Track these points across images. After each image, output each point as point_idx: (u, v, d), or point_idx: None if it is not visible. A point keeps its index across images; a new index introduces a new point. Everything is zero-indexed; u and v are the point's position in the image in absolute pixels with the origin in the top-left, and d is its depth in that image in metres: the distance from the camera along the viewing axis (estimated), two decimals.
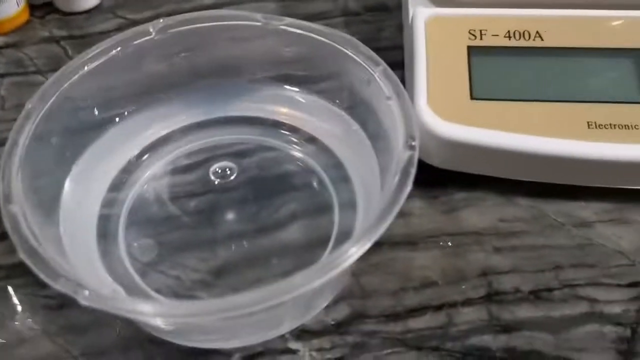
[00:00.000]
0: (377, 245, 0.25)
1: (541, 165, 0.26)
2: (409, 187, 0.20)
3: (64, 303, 0.25)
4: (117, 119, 0.27)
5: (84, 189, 0.25)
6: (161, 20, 0.26)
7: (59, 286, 0.18)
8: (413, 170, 0.20)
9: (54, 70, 0.34)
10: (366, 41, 0.34)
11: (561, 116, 0.26)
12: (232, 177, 0.26)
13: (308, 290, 0.18)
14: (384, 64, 0.24)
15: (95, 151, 0.26)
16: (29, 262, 0.18)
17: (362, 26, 0.36)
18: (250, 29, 0.27)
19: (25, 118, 0.23)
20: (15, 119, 0.31)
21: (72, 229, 0.23)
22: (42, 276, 0.18)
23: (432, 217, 0.27)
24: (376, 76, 0.24)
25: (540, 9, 0.28)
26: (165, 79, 0.28)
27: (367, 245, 0.19)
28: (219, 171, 0.27)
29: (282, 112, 0.28)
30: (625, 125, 0.25)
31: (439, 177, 0.27)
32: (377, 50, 0.34)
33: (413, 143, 0.21)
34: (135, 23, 0.36)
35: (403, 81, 0.29)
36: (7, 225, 0.20)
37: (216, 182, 0.26)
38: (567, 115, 0.26)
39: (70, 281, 0.18)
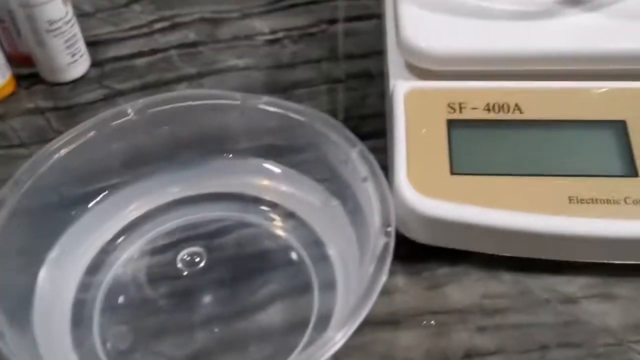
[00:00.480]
0: (359, 326, 0.24)
1: (523, 240, 0.26)
2: (384, 275, 0.20)
3: None
4: (93, 200, 0.26)
5: (60, 274, 0.24)
6: (140, 101, 0.26)
7: None
8: (389, 258, 0.20)
9: (38, 143, 0.34)
10: (350, 108, 0.35)
11: (542, 191, 0.26)
12: (200, 265, 0.26)
13: None
14: (360, 145, 0.24)
15: (72, 234, 0.25)
16: None
17: (346, 93, 0.36)
18: (229, 107, 0.27)
19: None
20: None
21: (46, 318, 0.22)
22: None
23: (416, 294, 0.26)
24: (353, 157, 0.24)
25: (519, 81, 0.28)
26: (143, 155, 0.28)
27: (341, 340, 0.18)
28: (187, 258, 0.26)
29: (261, 186, 0.28)
30: (607, 200, 0.25)
31: (422, 252, 0.27)
32: (361, 118, 0.34)
33: (389, 229, 0.21)
34: (120, 93, 0.37)
35: (386, 151, 0.29)
36: None
37: (184, 273, 0.26)
38: (549, 190, 0.26)
39: None
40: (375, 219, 0.22)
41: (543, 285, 0.26)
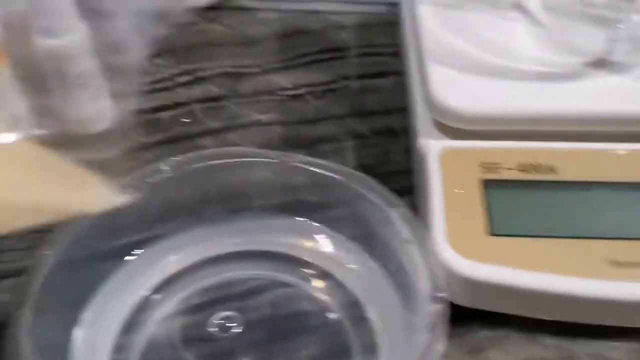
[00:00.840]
0: None
1: (564, 304, 0.25)
2: (441, 344, 0.19)
3: None
4: (126, 256, 0.26)
5: (95, 334, 0.23)
6: (175, 158, 0.26)
7: None
8: (444, 327, 0.20)
9: None
10: (375, 165, 0.35)
11: (581, 253, 0.25)
12: (235, 326, 0.25)
13: None
14: (402, 205, 0.24)
15: (106, 291, 0.25)
16: None
17: (370, 150, 0.36)
18: (262, 166, 0.27)
19: (37, 268, 0.22)
20: (19, 249, 0.31)
21: None
22: None
23: (457, 358, 0.26)
24: (394, 218, 0.23)
25: (552, 142, 0.28)
26: (175, 212, 0.27)
27: None
28: (222, 321, 0.25)
29: (295, 245, 0.28)
30: None
31: (462, 314, 0.26)
32: (386, 174, 0.34)
33: (442, 295, 0.20)
34: (145, 146, 0.36)
35: (413, 208, 0.28)
36: None
37: (220, 335, 0.25)
38: (588, 253, 0.25)
39: None
40: (423, 282, 0.21)
41: (587, 351, 0.26)
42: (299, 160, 0.26)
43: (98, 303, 0.24)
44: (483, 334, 0.26)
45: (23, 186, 0.19)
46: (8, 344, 0.21)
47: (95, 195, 0.20)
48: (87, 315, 0.24)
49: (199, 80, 0.41)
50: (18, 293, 0.22)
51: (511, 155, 0.28)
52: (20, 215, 0.18)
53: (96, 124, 0.37)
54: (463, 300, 0.26)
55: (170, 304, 0.26)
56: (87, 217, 0.24)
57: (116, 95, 0.39)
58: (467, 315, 0.26)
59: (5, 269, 0.30)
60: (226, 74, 0.42)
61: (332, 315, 0.25)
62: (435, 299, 0.20)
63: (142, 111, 0.39)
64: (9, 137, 0.22)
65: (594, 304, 0.25)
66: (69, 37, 0.34)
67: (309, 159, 0.26)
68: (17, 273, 0.30)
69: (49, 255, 0.22)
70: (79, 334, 0.23)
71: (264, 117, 0.39)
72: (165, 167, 0.26)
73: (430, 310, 0.20)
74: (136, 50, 0.39)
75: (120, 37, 0.40)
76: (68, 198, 0.19)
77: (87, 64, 0.35)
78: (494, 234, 0.26)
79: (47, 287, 0.22)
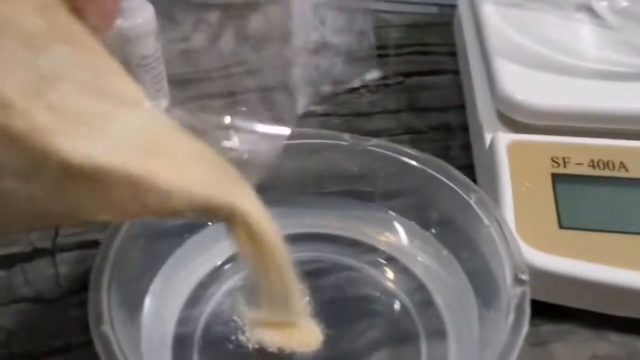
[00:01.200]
0: None
1: (631, 299, 0.25)
2: (526, 327, 0.19)
3: None
4: (193, 232, 0.26)
5: (162, 304, 0.24)
6: None
7: None
8: (528, 309, 0.19)
9: None
10: None
11: None
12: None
13: None
14: (480, 191, 0.24)
15: (173, 265, 0.25)
16: None
17: (429, 144, 0.36)
18: (335, 148, 0.27)
19: (111, 235, 0.22)
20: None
21: (150, 347, 0.22)
22: None
23: (521, 351, 0.25)
24: (472, 202, 0.23)
25: (622, 140, 0.28)
26: None
27: None
28: None
29: (365, 231, 0.28)
30: None
31: None
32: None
33: (524, 277, 0.20)
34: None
35: None
36: (99, 348, 0.19)
37: None
38: None
39: None
40: (502, 267, 0.21)
41: None
42: (373, 143, 0.26)
43: (166, 274, 0.25)
44: (547, 329, 0.26)
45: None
46: (89, 308, 0.21)
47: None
48: (156, 285, 0.24)
49: (255, 70, 0.42)
50: (97, 261, 0.22)
51: (581, 151, 0.28)
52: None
53: (157, 104, 0.37)
54: (532, 292, 0.26)
55: (233, 281, 0.26)
56: None
57: (171, 81, 0.39)
58: (533, 309, 0.26)
59: (64, 242, 0.30)
60: (281, 67, 0.42)
61: (397, 300, 0.25)
62: (518, 281, 0.20)
63: (196, 97, 0.39)
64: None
65: None
66: (136, 19, 0.35)
67: (384, 142, 0.26)
68: (78, 247, 0.31)
69: (123, 228, 0.22)
70: (147, 303, 0.23)
71: (319, 109, 0.39)
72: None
73: (513, 292, 0.20)
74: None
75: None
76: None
77: (152, 46, 0.36)
78: (562, 227, 0.26)
79: (121, 256, 0.22)
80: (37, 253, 0.30)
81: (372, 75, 0.21)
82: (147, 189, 0.16)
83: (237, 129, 0.21)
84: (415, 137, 0.36)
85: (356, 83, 0.21)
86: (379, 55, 0.43)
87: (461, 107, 0.38)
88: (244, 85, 0.40)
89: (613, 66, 0.31)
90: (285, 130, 0.22)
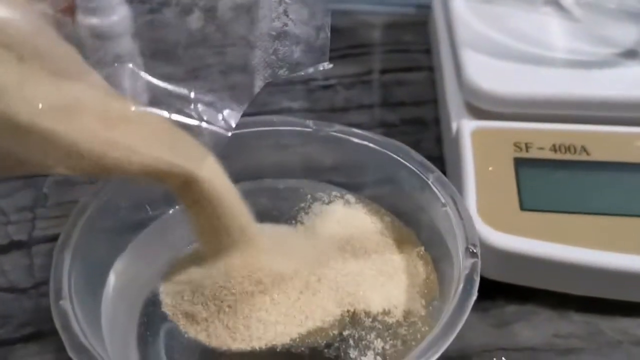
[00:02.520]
0: None
1: (595, 279, 0.26)
2: (474, 295, 0.19)
3: None
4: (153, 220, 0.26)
5: (127, 282, 0.24)
6: None
7: None
8: (477, 278, 0.20)
9: None
10: None
11: (613, 229, 0.26)
12: None
13: None
14: (437, 171, 0.24)
15: (137, 247, 0.25)
16: None
17: (401, 137, 0.36)
18: (296, 136, 0.27)
19: (78, 213, 0.22)
20: (57, 216, 0.32)
21: (112, 317, 0.22)
22: None
23: (484, 331, 0.26)
24: (430, 183, 0.24)
25: (583, 125, 0.29)
26: None
27: (436, 355, 0.18)
28: None
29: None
30: None
31: (489, 289, 0.26)
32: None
33: (475, 250, 0.21)
34: None
35: None
36: (57, 322, 0.19)
37: None
38: (619, 228, 0.26)
39: None
40: (457, 244, 0.21)
41: (615, 327, 0.26)
42: (336, 129, 0.26)
43: (130, 254, 0.25)
44: (510, 309, 0.27)
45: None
46: (50, 284, 0.21)
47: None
48: (120, 263, 0.24)
49: (219, 51, 0.42)
50: (60, 240, 0.22)
51: (543, 136, 0.29)
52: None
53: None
54: (493, 273, 0.26)
55: None
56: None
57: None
58: (495, 290, 0.27)
59: (41, 235, 0.31)
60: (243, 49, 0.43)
61: None
62: (470, 254, 0.21)
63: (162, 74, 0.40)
64: None
65: (623, 278, 0.25)
66: (111, 17, 0.35)
67: (347, 128, 0.27)
68: (54, 239, 0.31)
69: (91, 203, 0.23)
70: (111, 279, 0.23)
71: (294, 105, 0.39)
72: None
73: (465, 264, 0.20)
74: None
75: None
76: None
77: (127, 45, 0.36)
78: (525, 209, 0.26)
79: (87, 231, 0.22)
80: (13, 245, 0.30)
81: (325, 66, 0.22)
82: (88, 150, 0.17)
83: (196, 102, 0.22)
84: (388, 131, 0.37)
85: (310, 71, 0.22)
86: (357, 54, 0.44)
87: (434, 102, 0.39)
88: (207, 62, 0.41)
89: (576, 55, 0.32)
90: (241, 108, 0.22)
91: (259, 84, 0.23)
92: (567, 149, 0.28)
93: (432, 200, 0.24)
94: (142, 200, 0.25)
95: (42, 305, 0.27)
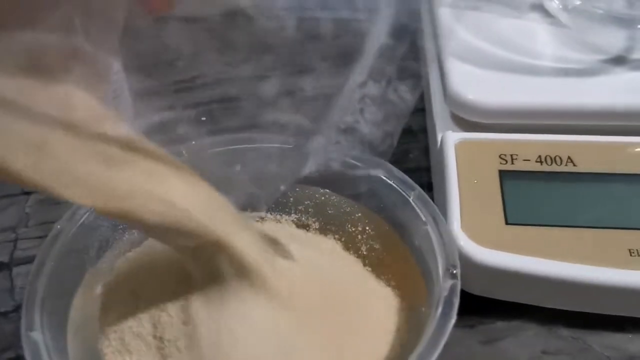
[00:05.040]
0: None
1: (582, 294, 0.25)
2: (453, 319, 0.19)
3: None
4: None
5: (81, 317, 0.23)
6: (194, 143, 0.27)
7: None
8: (456, 301, 0.19)
9: None
10: (394, 163, 0.35)
11: (601, 243, 0.25)
12: None
13: None
14: (418, 188, 0.24)
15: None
16: None
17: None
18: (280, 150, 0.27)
19: (52, 239, 0.22)
20: (39, 237, 0.31)
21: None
22: None
23: (470, 348, 0.25)
24: (411, 200, 0.23)
25: (570, 135, 0.28)
26: None
27: None
28: None
29: None
30: None
31: (476, 304, 0.26)
32: (405, 171, 0.34)
33: (454, 271, 0.20)
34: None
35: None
36: (27, 353, 0.19)
37: None
38: (607, 242, 0.25)
39: None
40: (438, 261, 0.21)
41: (604, 343, 0.25)
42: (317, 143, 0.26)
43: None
44: (498, 325, 0.26)
45: None
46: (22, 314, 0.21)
47: None
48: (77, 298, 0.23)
49: (218, 82, 0.42)
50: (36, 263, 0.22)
51: (529, 147, 0.28)
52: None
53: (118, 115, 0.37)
54: (478, 289, 0.26)
55: None
56: None
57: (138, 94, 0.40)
58: (482, 306, 0.26)
59: (22, 256, 0.31)
60: (247, 77, 0.42)
61: None
62: (450, 275, 0.20)
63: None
64: None
65: (611, 292, 0.24)
66: None
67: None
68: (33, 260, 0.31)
69: (64, 228, 0.22)
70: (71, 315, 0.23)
71: (282, 117, 0.39)
72: (184, 151, 0.26)
73: (444, 286, 0.20)
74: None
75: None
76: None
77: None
78: (510, 223, 0.26)
79: (60, 257, 0.22)
80: None
81: (377, 172, 0.23)
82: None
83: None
84: None
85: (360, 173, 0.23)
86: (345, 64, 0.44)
87: (423, 111, 0.38)
88: (208, 96, 0.41)
89: (563, 63, 0.31)
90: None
91: (309, 168, 0.23)
92: (553, 160, 0.28)
93: (412, 218, 0.23)
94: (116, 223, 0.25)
95: None
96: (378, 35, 0.22)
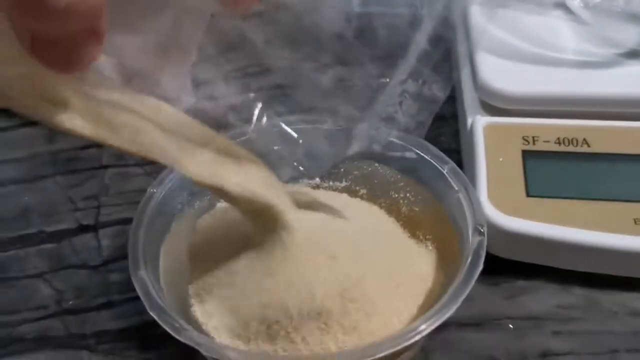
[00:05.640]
0: (445, 325, 0.27)
1: (592, 256, 0.29)
2: (480, 267, 0.23)
3: None
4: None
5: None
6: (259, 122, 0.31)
7: (183, 338, 0.21)
8: (483, 253, 0.23)
9: (151, 163, 0.39)
10: None
11: (610, 213, 0.29)
12: None
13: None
14: (452, 162, 0.28)
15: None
16: (159, 320, 0.22)
17: None
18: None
19: (147, 199, 0.27)
20: (118, 204, 0.36)
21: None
22: (169, 330, 0.21)
23: (495, 302, 0.29)
24: (445, 172, 0.27)
25: (586, 120, 0.32)
26: None
27: (441, 320, 0.22)
28: None
29: None
30: None
31: (501, 266, 0.30)
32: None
33: (482, 229, 0.24)
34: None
35: None
36: (138, 289, 0.23)
37: None
38: (615, 212, 0.29)
39: (192, 334, 0.21)
40: (468, 223, 0.25)
41: (612, 300, 0.29)
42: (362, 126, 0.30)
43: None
44: (519, 284, 0.30)
45: None
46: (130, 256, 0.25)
47: None
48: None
49: (267, 71, 0.46)
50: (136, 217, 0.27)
51: (549, 130, 0.32)
52: None
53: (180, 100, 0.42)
54: (502, 252, 0.30)
55: None
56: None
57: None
58: (505, 267, 0.30)
59: (105, 220, 0.36)
60: (291, 68, 0.46)
61: None
62: (478, 232, 0.24)
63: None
64: None
65: (618, 255, 0.28)
66: None
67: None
68: (117, 223, 0.35)
69: (156, 192, 0.27)
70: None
71: (321, 104, 0.43)
72: (250, 130, 0.31)
73: (473, 241, 0.24)
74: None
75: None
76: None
77: None
78: (529, 195, 0.30)
79: (154, 214, 0.26)
80: (82, 229, 0.35)
81: (416, 149, 0.28)
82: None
83: None
84: None
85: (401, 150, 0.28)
86: (381, 57, 0.48)
87: (453, 99, 0.42)
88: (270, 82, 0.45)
89: (581, 56, 0.35)
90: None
91: (355, 149, 0.28)
92: (570, 141, 0.32)
93: (446, 188, 0.27)
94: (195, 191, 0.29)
95: (111, 279, 0.32)
96: (419, 42, 0.26)
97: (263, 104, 0.41)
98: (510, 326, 0.28)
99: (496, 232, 0.29)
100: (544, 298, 0.29)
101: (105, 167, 0.39)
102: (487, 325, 0.28)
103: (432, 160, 0.28)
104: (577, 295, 0.29)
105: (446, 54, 0.48)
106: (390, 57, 0.31)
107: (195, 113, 0.42)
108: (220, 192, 0.24)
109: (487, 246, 0.29)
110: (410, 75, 0.31)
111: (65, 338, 0.29)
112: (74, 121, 0.20)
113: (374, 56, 0.32)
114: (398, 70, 0.29)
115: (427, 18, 0.26)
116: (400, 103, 0.31)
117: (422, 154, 0.28)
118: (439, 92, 0.31)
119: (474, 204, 0.26)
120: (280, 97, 0.43)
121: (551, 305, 0.29)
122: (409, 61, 0.28)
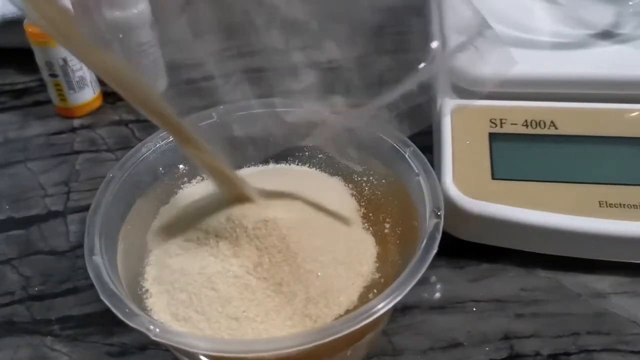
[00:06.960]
0: (409, 309, 0.28)
1: (556, 239, 0.29)
2: (434, 249, 0.23)
3: (125, 351, 0.28)
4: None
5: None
6: (221, 107, 0.31)
7: (134, 324, 0.21)
8: (438, 236, 0.23)
9: (123, 149, 0.39)
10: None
11: (575, 195, 0.29)
12: None
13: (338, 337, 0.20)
14: (413, 146, 0.28)
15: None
16: (109, 305, 0.22)
17: None
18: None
19: (106, 183, 0.27)
20: (88, 190, 0.36)
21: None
22: (120, 315, 0.21)
23: (459, 285, 0.29)
24: (407, 156, 0.27)
25: (554, 102, 0.32)
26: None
27: (396, 299, 0.21)
28: None
29: None
30: (633, 205, 0.28)
31: (465, 249, 0.30)
32: (413, 135, 0.38)
33: (439, 212, 0.24)
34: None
35: (432, 163, 0.32)
36: (91, 274, 0.23)
37: None
38: (580, 195, 0.29)
39: (143, 319, 0.21)
40: (426, 206, 0.25)
41: (575, 282, 0.29)
42: (330, 110, 0.30)
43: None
44: (483, 267, 0.30)
45: None
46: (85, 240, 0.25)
47: None
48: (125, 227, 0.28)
49: (242, 54, 0.46)
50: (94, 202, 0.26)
51: (517, 112, 0.32)
52: None
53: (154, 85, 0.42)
54: (467, 235, 0.30)
55: None
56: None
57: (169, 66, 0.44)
58: (470, 251, 0.30)
59: (74, 205, 0.35)
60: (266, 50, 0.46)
61: None
62: (435, 215, 0.24)
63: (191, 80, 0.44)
64: None
65: (582, 238, 0.28)
66: (132, 10, 0.39)
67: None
68: (86, 209, 0.35)
69: (116, 176, 0.27)
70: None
71: (296, 86, 0.43)
72: (213, 113, 0.30)
73: (430, 224, 0.24)
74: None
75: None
76: None
77: (147, 34, 0.40)
78: (496, 178, 0.30)
79: (112, 199, 0.26)
80: (51, 215, 0.35)
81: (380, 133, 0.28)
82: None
83: None
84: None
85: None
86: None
87: None
88: (235, 67, 0.45)
89: (553, 37, 0.34)
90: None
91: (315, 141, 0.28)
92: (538, 124, 0.31)
93: (408, 171, 0.27)
94: (157, 174, 0.29)
95: (78, 265, 0.32)
96: (410, 85, 0.27)
97: (236, 87, 0.41)
98: (474, 309, 0.28)
99: (461, 216, 0.29)
100: (508, 281, 0.29)
101: (77, 152, 0.39)
102: (450, 309, 0.28)
103: (394, 143, 0.28)
104: (541, 277, 0.29)
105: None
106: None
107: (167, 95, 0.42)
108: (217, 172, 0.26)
109: (452, 230, 0.29)
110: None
111: (30, 324, 0.29)
112: None
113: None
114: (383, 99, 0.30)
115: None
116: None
117: (385, 137, 0.28)
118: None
119: (432, 187, 0.25)
120: (256, 79, 0.43)
121: (515, 288, 0.29)
122: (393, 95, 0.28)
